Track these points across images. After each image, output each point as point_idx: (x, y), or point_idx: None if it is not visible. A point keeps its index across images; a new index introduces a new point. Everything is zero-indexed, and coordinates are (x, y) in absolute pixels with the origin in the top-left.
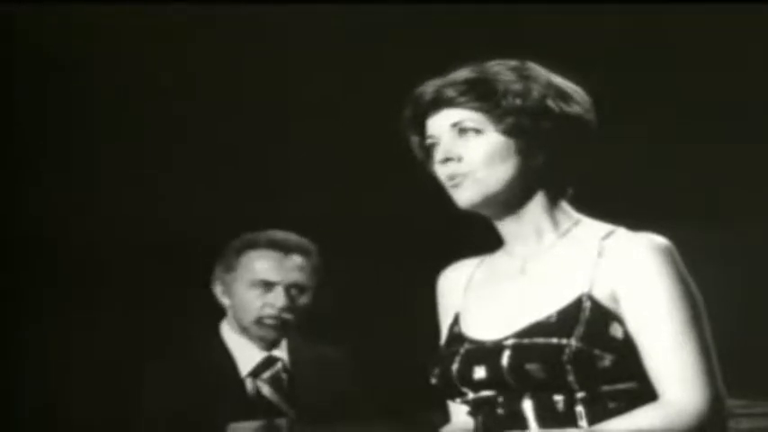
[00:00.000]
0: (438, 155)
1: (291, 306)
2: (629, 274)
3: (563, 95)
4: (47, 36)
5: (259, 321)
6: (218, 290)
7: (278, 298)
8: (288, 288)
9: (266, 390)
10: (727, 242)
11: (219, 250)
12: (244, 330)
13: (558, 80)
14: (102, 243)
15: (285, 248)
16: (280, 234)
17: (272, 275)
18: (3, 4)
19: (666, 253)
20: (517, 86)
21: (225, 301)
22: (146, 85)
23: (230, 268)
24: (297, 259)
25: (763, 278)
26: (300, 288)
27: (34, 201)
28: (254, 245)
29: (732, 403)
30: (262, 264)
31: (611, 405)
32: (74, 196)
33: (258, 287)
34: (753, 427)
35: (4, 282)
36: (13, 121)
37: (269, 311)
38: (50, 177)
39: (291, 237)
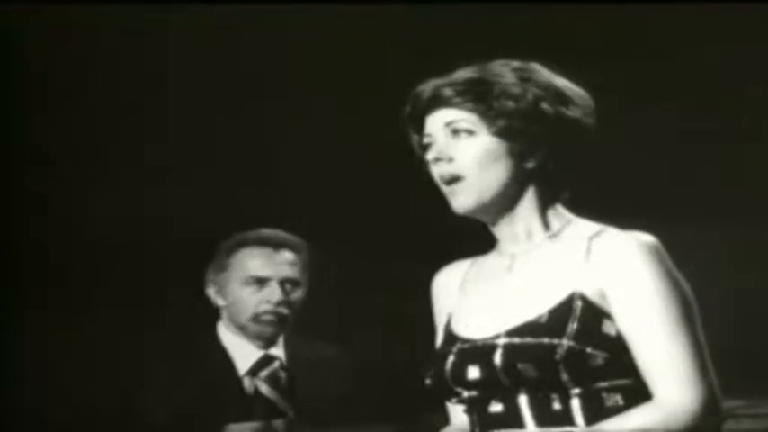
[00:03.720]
0: (430, 154)
1: (287, 300)
2: (616, 272)
3: (562, 98)
4: (47, 36)
5: (256, 318)
6: (211, 291)
7: (273, 293)
8: (282, 283)
9: (264, 388)
10: (729, 241)
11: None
12: (240, 329)
13: (561, 82)
14: (102, 243)
15: (274, 244)
16: (268, 231)
17: (264, 271)
18: (2, 4)
19: (653, 251)
20: (513, 89)
21: (219, 301)
22: (145, 85)
23: (222, 268)
24: (287, 254)
25: (766, 278)
26: (293, 282)
27: (34, 201)
28: (243, 243)
29: (733, 403)
30: (253, 261)
31: (608, 402)
32: (73, 196)
33: (252, 284)
34: (754, 428)
35: (4, 282)
36: (12, 122)
37: (265, 307)
38: (50, 177)
39: (280, 233)
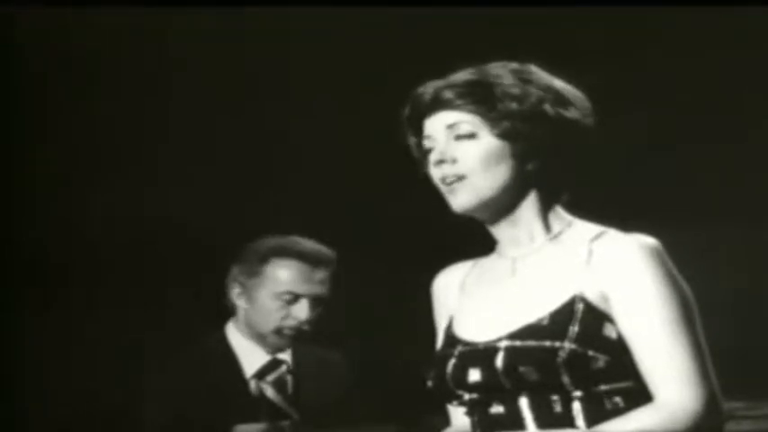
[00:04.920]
0: (433, 156)
1: (313, 319)
2: (617, 275)
3: (562, 100)
4: (47, 36)
5: (279, 331)
6: (234, 292)
7: (302, 311)
8: (312, 301)
9: (270, 392)
10: (729, 241)
11: (221, 250)
12: (256, 336)
13: (559, 84)
14: (102, 243)
15: (313, 261)
16: (307, 245)
17: (299, 288)
18: (2, 4)
19: (654, 253)
20: (515, 90)
21: (240, 303)
22: (146, 85)
23: (253, 274)
24: (322, 273)
25: (766, 278)
26: (322, 300)
27: (34, 200)
28: (281, 253)
29: (734, 405)
30: (289, 275)
31: (609, 404)
32: (73, 196)
33: (283, 298)
34: (754, 429)
35: (4, 282)
36: (12, 122)
37: (291, 323)
38: (50, 177)
39: (318, 248)
